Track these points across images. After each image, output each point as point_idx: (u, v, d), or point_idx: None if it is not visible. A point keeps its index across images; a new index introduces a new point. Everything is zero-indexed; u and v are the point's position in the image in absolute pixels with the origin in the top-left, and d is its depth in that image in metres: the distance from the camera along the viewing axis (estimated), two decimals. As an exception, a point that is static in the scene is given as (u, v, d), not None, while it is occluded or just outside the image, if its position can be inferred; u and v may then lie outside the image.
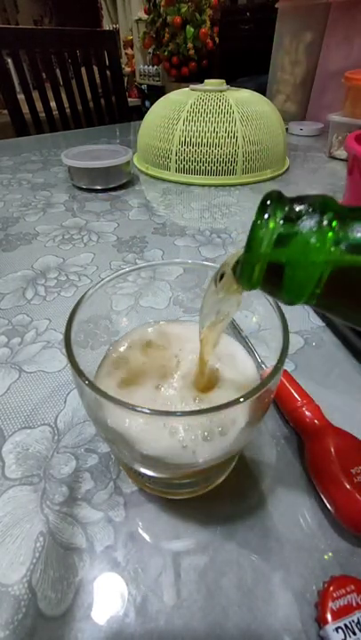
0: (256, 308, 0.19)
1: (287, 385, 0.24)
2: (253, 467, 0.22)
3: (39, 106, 1.07)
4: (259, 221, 0.10)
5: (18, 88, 1.03)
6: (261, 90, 0.81)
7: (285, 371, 0.26)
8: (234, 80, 1.31)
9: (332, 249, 0.10)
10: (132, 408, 0.12)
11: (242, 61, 1.56)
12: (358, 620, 0.15)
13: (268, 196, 0.11)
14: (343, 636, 0.14)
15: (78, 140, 0.90)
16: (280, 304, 0.14)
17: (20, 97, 1.03)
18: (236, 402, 0.12)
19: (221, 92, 0.61)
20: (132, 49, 2.23)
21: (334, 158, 0.76)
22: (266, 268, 0.11)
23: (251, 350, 0.21)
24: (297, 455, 0.22)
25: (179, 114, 0.60)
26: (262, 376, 0.19)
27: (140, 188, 0.62)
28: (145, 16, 1.77)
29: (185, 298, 0.24)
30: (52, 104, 1.10)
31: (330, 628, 0.15)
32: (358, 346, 0.29)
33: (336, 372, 0.28)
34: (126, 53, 2.34)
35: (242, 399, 0.13)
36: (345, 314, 0.11)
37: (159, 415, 0.13)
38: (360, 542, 0.18)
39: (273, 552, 0.18)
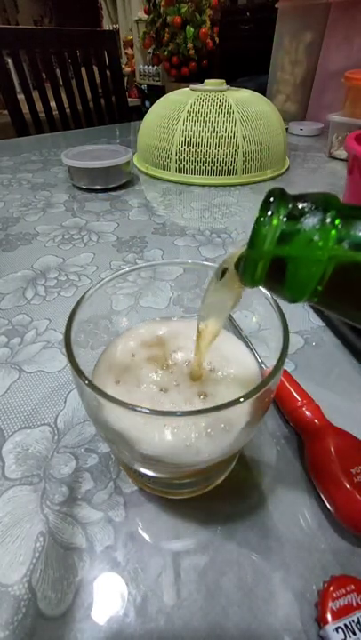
0: (256, 308, 0.19)
1: (287, 385, 0.24)
2: (253, 467, 0.22)
3: (39, 106, 1.08)
4: (262, 218, 0.10)
5: (18, 88, 1.03)
6: (261, 90, 0.81)
7: (285, 371, 0.26)
8: (234, 80, 1.31)
9: (335, 247, 0.10)
10: (132, 408, 0.12)
11: (242, 61, 1.56)
12: (358, 619, 0.15)
13: (271, 193, 0.11)
14: (343, 636, 0.14)
15: (78, 139, 0.90)
16: (280, 303, 0.14)
17: (20, 97, 1.03)
18: (236, 402, 0.12)
19: (221, 91, 0.61)
20: (132, 49, 2.23)
21: (334, 158, 0.76)
22: (268, 265, 0.11)
23: (251, 350, 0.21)
24: (297, 455, 0.22)
25: (179, 114, 0.60)
26: (263, 375, 0.19)
27: (140, 188, 0.62)
28: (145, 16, 1.77)
29: (185, 298, 0.24)
30: (52, 104, 1.10)
31: (330, 627, 0.15)
32: (358, 346, 0.29)
33: (336, 372, 0.28)
34: (126, 53, 2.34)
35: (242, 399, 0.13)
36: (346, 312, 0.11)
37: (159, 415, 0.13)
38: (360, 542, 0.18)
39: (273, 552, 0.18)
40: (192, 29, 1.60)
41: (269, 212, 0.10)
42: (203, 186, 0.62)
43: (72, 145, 0.71)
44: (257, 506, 0.20)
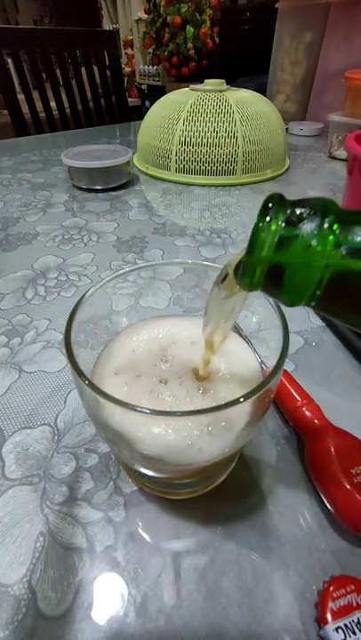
0: (256, 308, 0.19)
1: (287, 385, 0.24)
2: (253, 467, 0.22)
3: (39, 106, 1.08)
4: (261, 224, 0.10)
5: (18, 88, 1.03)
6: (261, 90, 0.81)
7: (285, 371, 0.26)
8: (234, 80, 1.31)
9: (333, 252, 0.10)
10: (132, 408, 0.12)
11: (242, 61, 1.56)
12: (358, 620, 0.15)
13: (269, 198, 0.11)
14: (343, 636, 0.14)
15: (78, 139, 0.90)
16: (280, 304, 0.15)
17: (20, 97, 1.03)
18: (236, 402, 0.12)
19: (221, 91, 0.61)
20: (132, 49, 2.23)
21: (334, 158, 0.76)
22: (267, 270, 0.11)
23: (251, 349, 0.21)
24: (297, 455, 0.22)
25: (179, 114, 0.60)
26: (263, 375, 0.19)
27: (140, 188, 0.62)
28: (145, 16, 1.77)
29: (185, 298, 0.24)
30: (52, 104, 1.10)
31: (330, 627, 0.15)
32: (358, 346, 0.29)
33: (336, 372, 0.28)
34: (126, 53, 2.34)
35: (242, 399, 0.13)
36: (345, 316, 0.11)
37: (159, 415, 0.13)
38: (360, 542, 0.18)
39: (273, 552, 0.18)
40: (192, 29, 1.60)
41: (268, 218, 0.10)
42: (203, 186, 0.62)
43: (72, 145, 0.71)
44: (257, 506, 0.20)
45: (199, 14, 1.59)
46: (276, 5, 0.92)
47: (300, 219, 0.10)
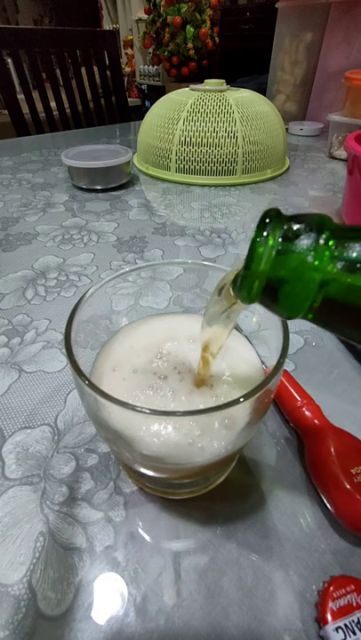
0: (256, 308, 0.18)
1: (287, 385, 0.24)
2: (253, 467, 0.22)
3: (39, 106, 1.07)
4: (258, 239, 0.11)
5: (18, 88, 1.03)
6: (261, 90, 0.81)
7: (285, 371, 0.26)
8: (234, 80, 1.31)
9: (329, 267, 0.10)
10: (132, 408, 0.12)
11: (242, 61, 1.57)
12: (358, 620, 0.15)
13: (267, 213, 0.11)
14: (343, 636, 0.14)
15: (78, 139, 0.90)
16: (278, 317, 0.15)
17: (20, 97, 1.03)
18: (236, 402, 0.12)
19: (221, 91, 0.61)
20: (132, 49, 2.23)
21: (334, 158, 0.76)
22: (264, 284, 0.11)
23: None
24: (297, 455, 0.22)
25: (179, 114, 0.60)
26: (264, 375, 0.19)
27: (140, 188, 0.62)
28: (145, 16, 1.76)
29: (185, 298, 0.24)
30: (52, 104, 1.10)
31: (330, 627, 0.15)
32: (359, 346, 0.29)
33: (336, 372, 0.28)
34: (126, 53, 2.34)
35: (242, 399, 0.13)
36: (341, 329, 0.12)
37: (160, 415, 0.13)
38: (360, 542, 0.18)
39: (273, 552, 0.18)
40: (192, 29, 1.60)
41: (265, 233, 0.11)
42: (203, 186, 0.62)
43: (72, 145, 0.71)
44: (257, 506, 0.20)
45: (199, 14, 1.59)
46: (276, 5, 0.93)
47: (297, 234, 0.10)
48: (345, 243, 0.10)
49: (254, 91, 0.66)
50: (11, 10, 2.51)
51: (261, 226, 0.11)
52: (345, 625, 0.15)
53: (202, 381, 0.18)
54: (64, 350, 0.14)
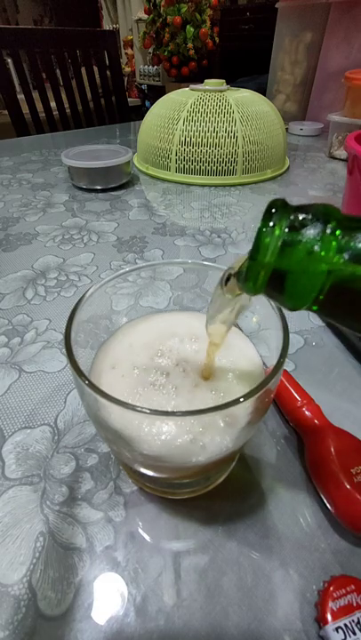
0: (256, 308, 0.19)
1: (287, 385, 0.24)
2: (253, 466, 0.22)
3: (39, 106, 1.07)
4: (264, 229, 0.10)
5: (18, 88, 1.03)
6: (261, 90, 0.81)
7: (285, 371, 0.26)
8: (234, 80, 1.31)
9: (336, 257, 0.10)
10: (133, 408, 0.12)
11: (242, 61, 1.57)
12: (358, 619, 0.15)
13: (273, 203, 0.11)
14: (343, 636, 0.14)
15: (78, 139, 0.90)
16: (283, 308, 0.15)
17: (20, 97, 1.03)
18: (236, 402, 0.12)
19: (221, 92, 0.61)
20: (132, 49, 2.23)
21: (334, 158, 0.76)
22: (270, 275, 0.11)
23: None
24: (297, 455, 0.22)
25: (179, 114, 0.60)
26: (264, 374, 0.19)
27: (140, 188, 0.62)
28: (145, 16, 1.76)
29: (185, 298, 0.24)
30: (52, 104, 1.10)
31: (330, 627, 0.15)
32: (358, 346, 0.29)
33: (336, 372, 0.28)
34: (126, 53, 2.34)
35: (242, 399, 0.13)
36: (346, 321, 0.11)
37: (160, 415, 0.13)
38: (360, 542, 0.18)
39: (273, 552, 0.18)
40: (192, 29, 1.60)
41: (271, 223, 0.10)
42: (203, 186, 0.62)
43: (72, 145, 0.71)
44: (257, 506, 0.20)
45: (199, 14, 1.58)
46: (276, 5, 0.93)
47: (303, 224, 0.10)
48: (352, 233, 0.10)
49: (254, 91, 0.66)
50: (11, 10, 2.51)
51: (268, 216, 0.10)
52: (345, 625, 0.15)
53: (209, 374, 0.18)
54: (64, 350, 0.14)
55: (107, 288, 0.19)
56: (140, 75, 2.05)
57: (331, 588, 0.16)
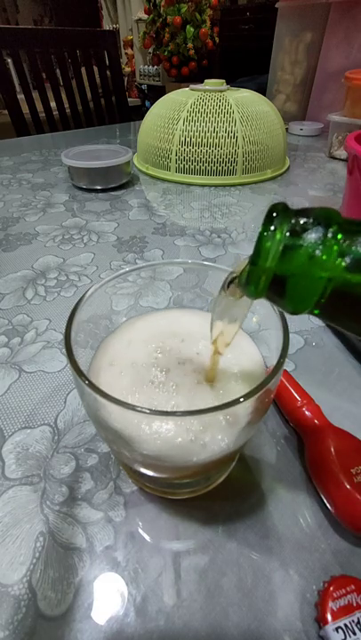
0: (256, 308, 0.19)
1: (287, 385, 0.24)
2: (253, 466, 0.22)
3: (39, 106, 1.07)
4: (265, 233, 0.10)
5: (18, 88, 1.03)
6: (261, 90, 0.81)
7: (285, 371, 0.26)
8: (234, 80, 1.31)
9: (337, 261, 0.10)
10: (132, 408, 0.12)
11: (242, 61, 1.56)
12: (358, 619, 0.15)
13: (273, 207, 0.11)
14: (343, 636, 0.14)
15: (78, 139, 0.90)
16: (284, 312, 0.15)
17: (20, 97, 1.03)
18: (236, 402, 0.12)
19: (221, 92, 0.61)
20: (132, 49, 2.23)
21: (334, 158, 0.76)
22: (271, 279, 0.11)
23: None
24: (297, 455, 0.22)
25: (179, 114, 0.60)
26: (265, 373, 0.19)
27: (140, 188, 0.62)
28: (145, 16, 1.76)
29: (185, 298, 0.24)
30: (52, 104, 1.10)
31: (330, 627, 0.15)
32: (358, 346, 0.29)
33: (336, 372, 0.28)
34: (126, 53, 2.34)
35: (242, 399, 0.13)
36: (348, 324, 0.11)
37: (160, 415, 0.13)
38: (360, 542, 0.18)
39: (273, 552, 0.18)
40: (192, 29, 1.60)
41: (272, 227, 0.10)
42: (203, 186, 0.62)
43: (72, 145, 0.71)
44: (257, 506, 0.20)
45: (199, 14, 1.58)
46: (276, 5, 0.93)
47: (305, 228, 0.10)
48: (353, 237, 0.10)
49: (254, 91, 0.66)
50: (11, 10, 2.51)
51: (268, 220, 0.10)
52: (345, 625, 0.15)
53: (212, 377, 0.18)
54: (64, 350, 0.14)
55: (107, 288, 0.19)
56: (140, 75, 2.04)
57: (331, 588, 0.16)
